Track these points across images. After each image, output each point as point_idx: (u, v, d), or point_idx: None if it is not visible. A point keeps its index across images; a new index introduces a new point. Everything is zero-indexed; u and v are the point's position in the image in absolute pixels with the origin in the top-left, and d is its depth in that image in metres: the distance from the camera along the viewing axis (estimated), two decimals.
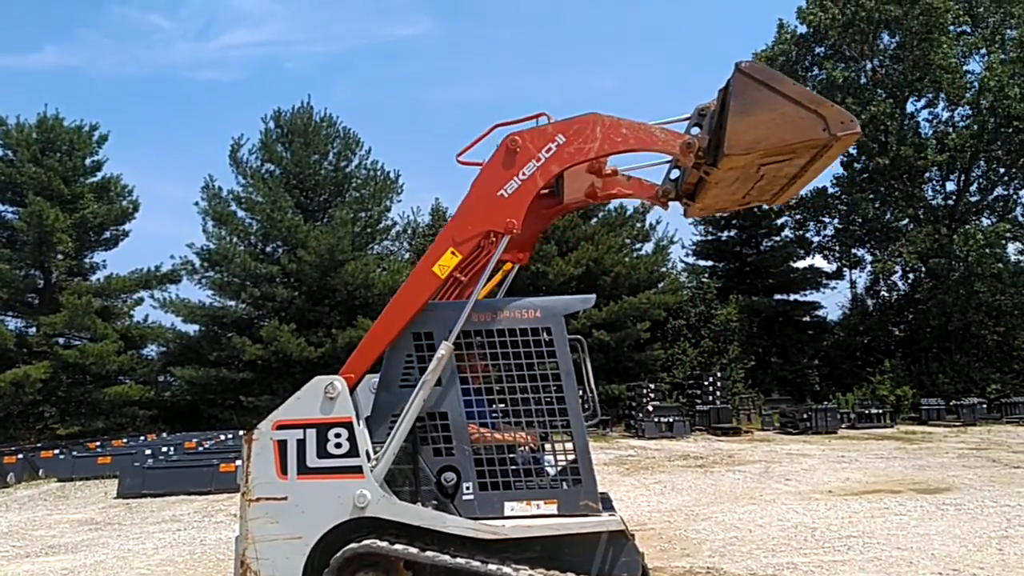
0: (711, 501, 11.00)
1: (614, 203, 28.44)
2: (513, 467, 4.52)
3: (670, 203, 5.20)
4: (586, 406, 4.80)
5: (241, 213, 26.94)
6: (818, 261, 33.83)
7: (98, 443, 19.77)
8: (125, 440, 20.66)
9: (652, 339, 26.74)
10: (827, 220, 32.99)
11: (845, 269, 34.02)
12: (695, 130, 4.41)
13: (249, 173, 27.34)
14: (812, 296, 33.26)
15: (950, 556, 7.33)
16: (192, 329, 26.96)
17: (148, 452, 16.32)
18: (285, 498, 4.41)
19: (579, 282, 24.80)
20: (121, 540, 9.76)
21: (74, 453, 17.64)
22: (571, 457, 4.50)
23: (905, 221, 30.55)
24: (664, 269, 28.99)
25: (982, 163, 29.23)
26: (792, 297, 32.76)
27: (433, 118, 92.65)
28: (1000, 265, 26.18)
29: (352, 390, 4.55)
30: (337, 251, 24.80)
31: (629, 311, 25.09)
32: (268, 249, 27.41)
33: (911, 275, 31.71)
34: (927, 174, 29.04)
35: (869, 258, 33.50)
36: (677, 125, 4.50)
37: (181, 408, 26.60)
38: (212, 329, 26.33)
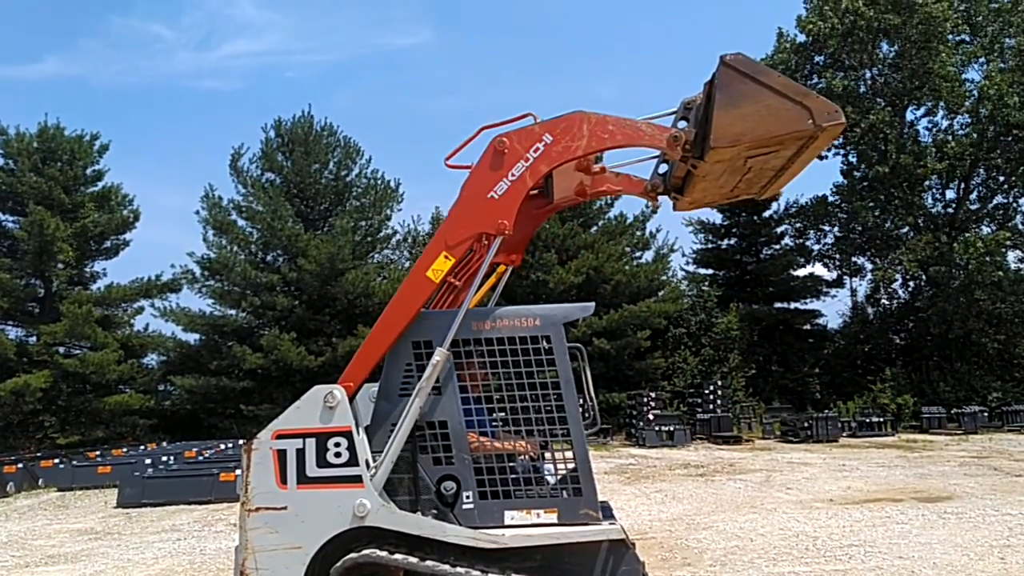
0: (712, 510, 10.97)
1: (614, 212, 28.59)
2: (513, 476, 4.50)
3: (659, 197, 5.21)
4: (586, 415, 4.78)
5: (242, 222, 27.03)
6: (818, 269, 33.92)
7: (98, 452, 19.74)
8: (125, 449, 20.64)
9: (652, 347, 26.71)
10: (827, 228, 33.08)
11: (845, 277, 34.09)
12: (682, 124, 4.40)
13: (250, 182, 27.41)
14: (812, 304, 33.34)
15: (952, 565, 7.31)
16: (192, 338, 27.04)
17: (148, 461, 16.30)
18: (285, 508, 4.39)
19: (579, 290, 24.81)
20: (121, 550, 9.74)
21: (74, 462, 17.64)
22: (571, 466, 4.48)
23: (905, 229, 30.59)
24: (664, 277, 29.02)
25: (982, 171, 29.28)
26: (792, 305, 32.75)
27: (433, 127, 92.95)
28: (1000, 273, 26.21)
29: (351, 399, 4.54)
30: (337, 260, 24.83)
31: (629, 319, 25.09)
32: (268, 258, 27.46)
33: (911, 283, 31.71)
34: (927, 182, 29.08)
35: (869, 266, 33.57)
36: (664, 120, 4.51)
37: (181, 417, 26.57)
38: (212, 338, 26.35)
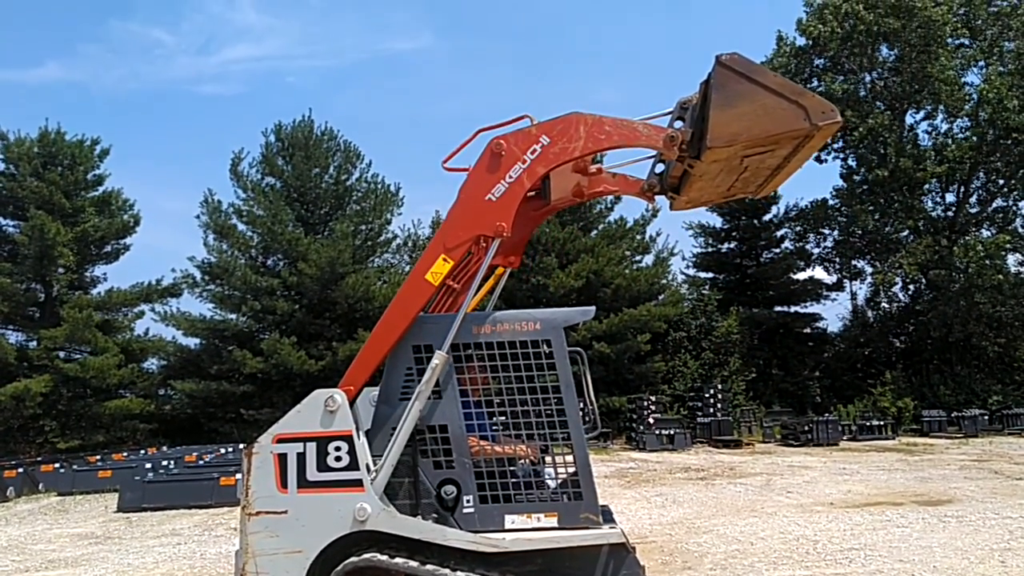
0: (712, 514, 10.96)
1: (614, 215, 28.59)
2: (513, 480, 4.51)
3: (656, 197, 5.23)
4: (586, 418, 4.79)
5: (242, 226, 27.00)
6: (818, 273, 33.96)
7: (98, 457, 19.71)
8: (125, 454, 20.60)
9: (653, 351, 26.68)
10: (827, 232, 33.13)
11: (845, 281, 34.12)
12: (678, 124, 4.43)
13: (250, 186, 27.40)
14: (812, 308, 33.34)
15: (952, 568, 7.31)
16: (193, 342, 26.97)
17: (148, 466, 16.28)
18: (285, 512, 4.40)
19: (580, 294, 24.80)
20: (121, 554, 9.73)
21: (74, 467, 17.60)
22: (572, 470, 4.49)
23: (905, 232, 30.60)
24: (664, 281, 28.97)
25: (981, 175, 29.34)
26: (793, 309, 32.76)
27: (434, 131, 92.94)
28: (1000, 276, 26.22)
29: (352, 403, 4.55)
30: (338, 264, 24.82)
31: (630, 323, 25.07)
32: (269, 262, 27.43)
33: (911, 286, 31.75)
34: (926, 186, 29.13)
35: (869, 269, 33.60)
36: (660, 120, 4.53)
37: (182, 422, 26.53)
38: (213, 342, 26.32)
